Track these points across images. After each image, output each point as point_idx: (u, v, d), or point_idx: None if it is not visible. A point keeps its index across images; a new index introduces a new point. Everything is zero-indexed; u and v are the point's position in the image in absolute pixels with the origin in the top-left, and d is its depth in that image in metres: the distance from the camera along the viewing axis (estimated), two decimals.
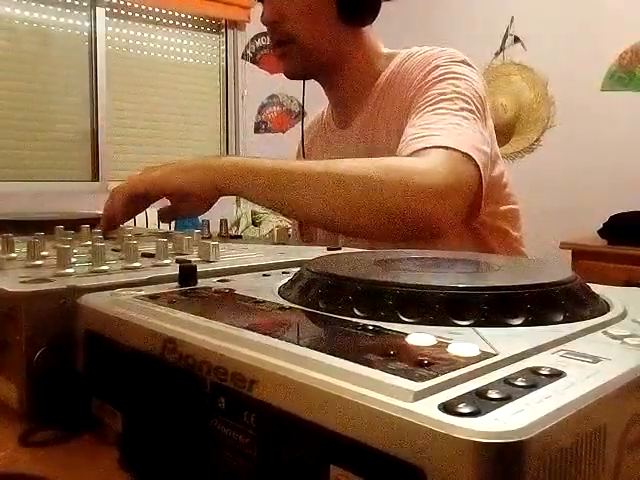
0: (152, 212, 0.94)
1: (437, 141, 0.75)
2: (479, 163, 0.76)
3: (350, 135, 0.98)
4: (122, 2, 3.13)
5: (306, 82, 1.02)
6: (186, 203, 0.78)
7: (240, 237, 0.80)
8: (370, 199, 0.70)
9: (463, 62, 0.88)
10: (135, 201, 0.77)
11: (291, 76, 0.96)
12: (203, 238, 0.68)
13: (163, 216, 0.85)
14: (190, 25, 3.45)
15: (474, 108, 0.83)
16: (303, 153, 1.07)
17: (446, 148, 0.74)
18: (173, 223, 2.94)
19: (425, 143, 0.75)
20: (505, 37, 3.12)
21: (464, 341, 0.27)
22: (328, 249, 0.62)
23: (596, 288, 0.38)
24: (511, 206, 0.95)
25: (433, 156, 0.74)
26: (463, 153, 0.74)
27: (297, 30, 0.90)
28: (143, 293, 0.38)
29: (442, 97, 0.82)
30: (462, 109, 0.81)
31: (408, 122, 0.84)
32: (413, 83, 0.88)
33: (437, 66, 0.87)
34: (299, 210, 0.76)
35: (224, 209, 0.81)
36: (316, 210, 0.73)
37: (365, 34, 0.95)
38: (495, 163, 0.90)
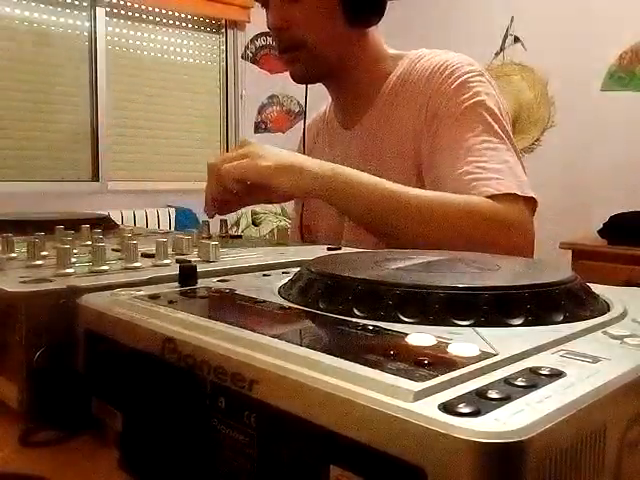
0: (152, 212, 0.93)
1: (504, 187, 0.79)
2: (537, 200, 0.82)
3: (355, 136, 0.98)
4: (122, 2, 3.13)
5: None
6: (267, 196, 0.78)
7: (240, 237, 0.79)
8: (470, 237, 0.75)
9: (482, 75, 0.89)
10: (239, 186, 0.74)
11: (299, 81, 0.96)
12: (203, 238, 0.68)
13: (224, 210, 0.81)
14: (190, 25, 3.45)
15: (510, 134, 0.86)
16: (305, 153, 1.07)
17: (516, 196, 0.79)
18: (173, 223, 2.94)
19: (494, 189, 0.79)
20: (505, 37, 3.12)
21: (464, 341, 0.27)
22: (328, 249, 0.62)
23: (596, 288, 0.38)
24: None
25: (516, 209, 0.79)
26: (524, 197, 0.80)
27: (304, 35, 0.90)
28: (143, 293, 0.38)
29: (483, 128, 0.84)
30: (503, 139, 0.84)
31: (440, 142, 0.85)
32: (436, 91, 0.87)
33: (464, 82, 0.86)
34: (397, 236, 0.77)
35: None
36: (414, 239, 0.75)
37: (371, 35, 0.95)
38: None
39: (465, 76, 0.87)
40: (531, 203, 0.81)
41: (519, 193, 0.79)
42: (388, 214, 0.75)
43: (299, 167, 0.74)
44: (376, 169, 0.95)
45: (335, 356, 0.24)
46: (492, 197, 0.78)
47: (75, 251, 0.52)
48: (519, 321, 0.30)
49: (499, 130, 0.84)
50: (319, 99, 1.09)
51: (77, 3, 3.02)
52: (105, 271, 0.46)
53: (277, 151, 0.76)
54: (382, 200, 0.74)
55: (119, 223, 0.89)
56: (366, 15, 0.91)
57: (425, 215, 0.75)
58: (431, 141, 0.86)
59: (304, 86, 1.01)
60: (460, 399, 0.20)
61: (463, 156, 0.82)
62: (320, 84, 1.01)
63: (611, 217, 2.38)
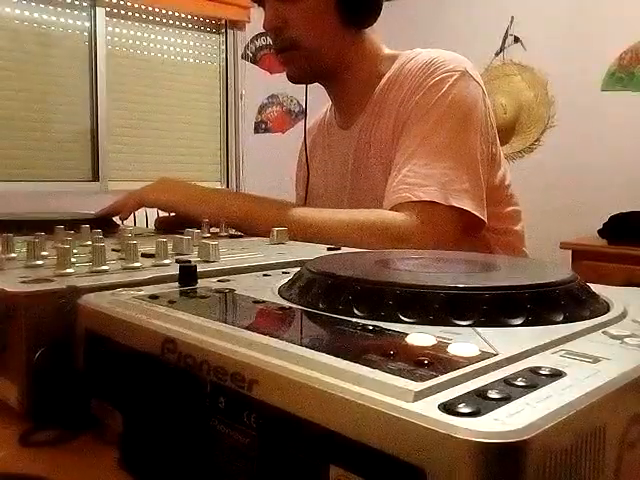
0: (152, 212, 0.95)
1: (426, 195, 0.79)
2: (466, 208, 0.80)
3: (350, 136, 0.98)
4: (122, 2, 3.13)
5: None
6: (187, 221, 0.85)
7: (240, 237, 0.79)
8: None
9: (463, 74, 0.87)
10: (140, 207, 0.88)
11: (296, 81, 0.96)
12: (203, 238, 0.68)
13: (161, 225, 0.92)
14: (190, 25, 3.45)
15: (476, 136, 0.84)
16: (306, 155, 1.07)
17: (430, 204, 0.79)
18: None
19: (411, 194, 0.80)
20: (505, 37, 3.12)
21: (464, 341, 0.26)
22: (328, 249, 0.62)
23: (596, 288, 0.38)
24: (513, 207, 0.96)
25: (416, 217, 0.79)
26: (447, 206, 0.79)
27: (300, 35, 0.90)
28: (143, 293, 0.38)
29: (443, 130, 0.83)
30: (457, 143, 0.83)
31: (397, 150, 0.86)
32: (416, 88, 0.87)
33: (442, 80, 0.86)
34: None
35: None
36: None
37: (367, 36, 0.95)
38: (498, 165, 0.91)
39: (445, 74, 0.86)
40: (464, 214, 0.80)
41: (440, 202, 0.79)
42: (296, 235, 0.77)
43: (203, 199, 0.86)
44: (366, 171, 0.95)
45: (335, 356, 0.24)
46: (413, 204, 0.80)
47: (75, 251, 0.52)
48: (519, 321, 0.30)
49: (457, 133, 0.83)
50: (319, 99, 1.09)
51: (77, 3, 3.03)
52: (105, 271, 0.46)
53: (186, 187, 0.89)
54: (289, 224, 0.78)
55: (119, 223, 0.89)
56: (361, 16, 0.91)
57: (326, 233, 0.78)
58: (398, 138, 0.87)
59: (304, 86, 1.01)
60: (460, 399, 0.20)
61: (409, 158, 0.83)
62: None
63: (611, 217, 2.38)
